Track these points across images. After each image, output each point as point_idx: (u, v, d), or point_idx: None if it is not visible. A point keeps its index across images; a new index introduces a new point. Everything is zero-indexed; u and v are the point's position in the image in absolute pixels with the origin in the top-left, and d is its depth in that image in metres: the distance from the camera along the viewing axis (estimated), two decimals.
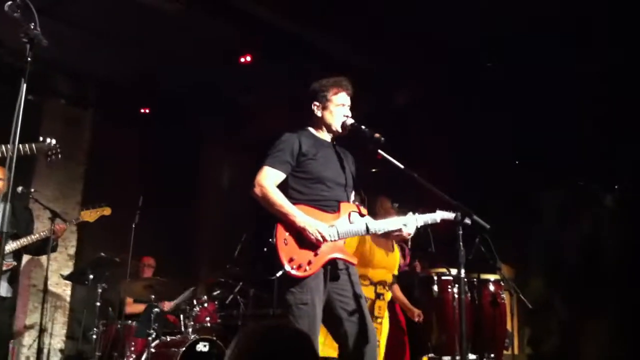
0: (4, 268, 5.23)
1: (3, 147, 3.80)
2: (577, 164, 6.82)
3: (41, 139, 4.31)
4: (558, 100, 6.78)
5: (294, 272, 3.51)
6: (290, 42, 7.08)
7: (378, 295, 5.29)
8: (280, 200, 3.61)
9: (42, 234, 5.48)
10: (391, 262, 5.44)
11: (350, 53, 7.18)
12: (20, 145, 3.79)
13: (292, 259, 3.52)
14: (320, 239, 3.56)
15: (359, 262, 5.00)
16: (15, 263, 5.38)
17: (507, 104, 6.94)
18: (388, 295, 5.36)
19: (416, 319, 5.82)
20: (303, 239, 3.59)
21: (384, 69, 7.37)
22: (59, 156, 4.37)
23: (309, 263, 3.55)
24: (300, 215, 3.59)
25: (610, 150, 6.63)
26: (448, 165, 7.08)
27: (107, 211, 5.85)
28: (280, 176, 3.70)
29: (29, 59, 2.92)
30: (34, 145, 4.08)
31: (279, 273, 3.51)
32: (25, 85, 2.91)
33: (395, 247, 5.50)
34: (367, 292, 5.19)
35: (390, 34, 6.77)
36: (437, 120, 7.49)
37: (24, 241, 5.33)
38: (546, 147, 6.97)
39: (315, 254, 3.59)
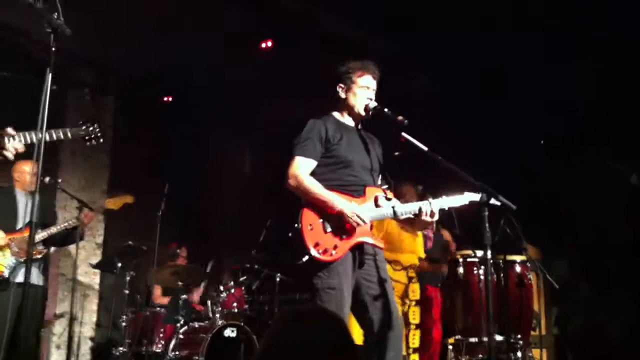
0: (37, 256, 5.31)
1: (33, 134, 3.73)
2: (602, 143, 6.75)
3: (80, 123, 4.24)
4: (585, 80, 6.72)
5: (320, 256, 3.52)
6: (306, 27, 7.06)
7: (410, 279, 5.34)
8: (315, 188, 3.62)
9: (71, 222, 5.54)
10: (417, 246, 5.47)
11: (367, 37, 7.13)
12: (54, 131, 3.75)
13: (317, 243, 3.53)
14: (360, 223, 3.57)
15: (390, 247, 5.05)
16: (46, 250, 5.46)
17: (529, 85, 6.88)
18: (417, 279, 5.41)
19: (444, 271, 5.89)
20: (329, 224, 3.60)
21: (402, 54, 7.32)
22: (101, 140, 4.28)
23: (335, 247, 3.56)
24: (337, 201, 3.59)
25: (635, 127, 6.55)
26: (470, 148, 7.03)
27: (129, 199, 5.92)
28: (312, 164, 3.70)
29: (53, 49, 2.93)
30: (68, 131, 4.00)
31: (305, 258, 3.52)
32: (50, 75, 2.93)
33: (419, 233, 5.52)
34: (400, 276, 5.25)
35: (407, 18, 6.74)
36: (458, 103, 7.45)
37: (53, 230, 5.39)
38: (569, 125, 6.91)
39: (342, 239, 3.60)
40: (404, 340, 4.80)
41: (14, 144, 3.44)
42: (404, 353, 4.73)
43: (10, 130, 3.42)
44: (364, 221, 3.58)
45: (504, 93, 7.12)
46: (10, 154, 3.44)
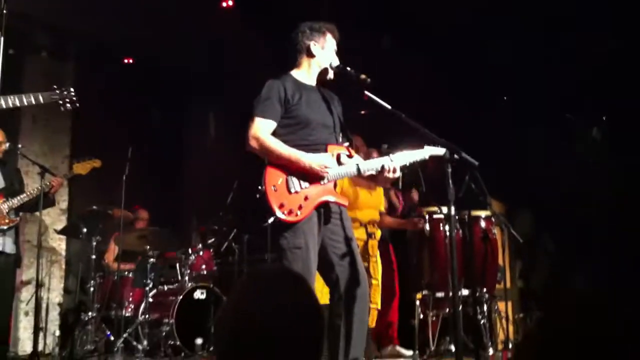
0: (10, 225, 5.25)
1: (8, 98, 3.57)
2: (565, 96, 6.81)
3: (54, 87, 4.09)
4: (546, 35, 6.73)
5: (285, 217, 3.53)
6: None
7: (370, 235, 5.36)
8: (279, 147, 3.61)
9: (43, 186, 5.48)
10: (376, 200, 5.50)
11: None
12: (24, 96, 3.63)
13: (282, 204, 3.54)
14: (329, 172, 3.61)
15: (347, 206, 5.07)
16: (18, 219, 5.39)
17: (495, 40, 6.87)
18: (378, 233, 5.43)
19: (420, 226, 5.85)
20: (293, 182, 3.61)
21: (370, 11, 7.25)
22: (76, 104, 4.13)
23: (300, 207, 3.57)
24: (303, 155, 3.60)
25: (598, 82, 6.60)
26: (435, 103, 7.04)
27: (97, 163, 5.88)
28: (272, 125, 3.68)
29: (5, 11, 2.85)
30: (40, 96, 3.84)
31: (270, 220, 3.53)
32: (2, 38, 2.85)
33: (377, 187, 5.53)
34: (359, 233, 5.26)
35: None
36: (423, 59, 7.42)
37: (24, 197, 5.33)
38: (534, 81, 6.94)
39: (306, 198, 3.61)
40: None
41: None
42: None
43: None
44: (329, 174, 3.63)
45: (479, 55, 7.11)
46: None
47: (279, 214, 3.52)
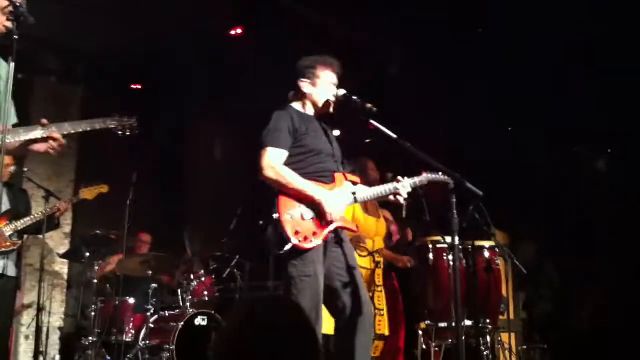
0: (12, 248, 5.24)
1: (68, 125, 3.58)
2: (571, 127, 6.82)
3: (114, 114, 4.07)
4: (552, 63, 6.76)
5: (301, 244, 3.53)
6: (279, 12, 7.01)
7: (376, 264, 5.36)
8: (294, 179, 3.63)
9: (48, 210, 5.49)
10: (381, 229, 5.51)
11: (335, 23, 7.11)
12: (79, 123, 3.63)
13: (297, 231, 3.54)
14: (335, 218, 3.63)
15: (357, 234, 5.09)
16: (20, 242, 5.38)
17: (499, 68, 6.91)
18: (383, 262, 5.43)
19: (408, 265, 5.88)
20: (307, 210, 3.62)
21: (373, 39, 7.31)
22: (136, 131, 4.12)
23: (314, 234, 3.59)
24: (318, 192, 3.63)
25: (604, 113, 6.62)
26: (442, 132, 7.06)
27: (104, 189, 5.89)
28: (284, 155, 3.71)
29: (16, 37, 2.87)
30: (96, 123, 3.81)
31: (288, 247, 3.52)
32: (13, 64, 2.87)
33: (381, 214, 5.55)
34: (366, 262, 5.27)
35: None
36: (430, 87, 7.46)
37: (28, 220, 5.32)
38: (540, 111, 6.97)
39: (320, 225, 3.63)
40: None
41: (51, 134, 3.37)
42: None
43: (44, 121, 3.36)
44: (337, 219, 3.65)
45: (476, 77, 7.14)
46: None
47: (294, 241, 3.51)
